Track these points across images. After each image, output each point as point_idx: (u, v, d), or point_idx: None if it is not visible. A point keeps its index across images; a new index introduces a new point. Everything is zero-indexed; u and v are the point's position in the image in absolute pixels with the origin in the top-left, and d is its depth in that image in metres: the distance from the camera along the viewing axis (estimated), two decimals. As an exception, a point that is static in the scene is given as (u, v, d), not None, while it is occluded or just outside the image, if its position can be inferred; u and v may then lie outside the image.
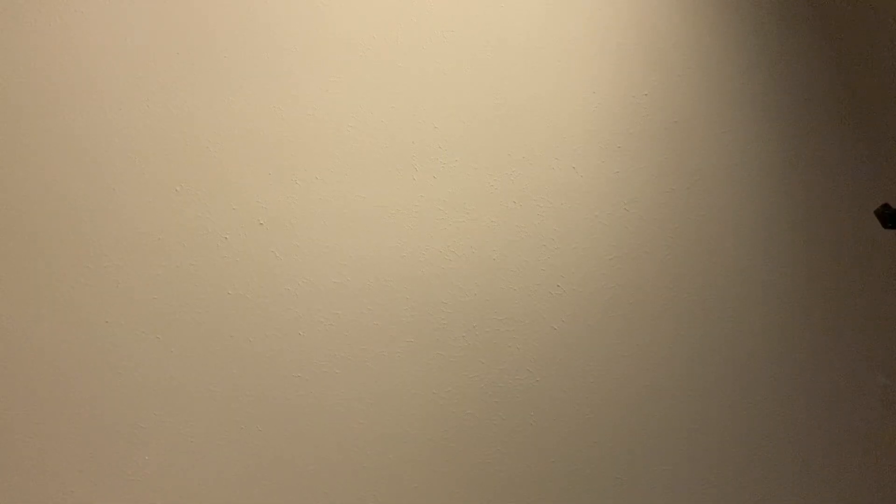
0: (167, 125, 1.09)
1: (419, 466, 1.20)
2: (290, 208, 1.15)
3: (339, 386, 1.17)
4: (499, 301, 1.25)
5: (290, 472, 1.14)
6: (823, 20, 1.46)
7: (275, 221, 1.14)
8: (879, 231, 1.40)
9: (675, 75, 1.36)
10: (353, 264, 1.18)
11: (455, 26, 1.23)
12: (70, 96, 1.06)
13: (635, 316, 1.33)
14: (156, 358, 1.09)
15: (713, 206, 1.37)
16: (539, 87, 1.27)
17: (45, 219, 1.05)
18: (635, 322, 1.32)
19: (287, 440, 1.14)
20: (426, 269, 1.21)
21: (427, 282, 1.21)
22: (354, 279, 1.17)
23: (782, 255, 1.41)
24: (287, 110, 1.15)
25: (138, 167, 1.08)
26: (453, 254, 1.23)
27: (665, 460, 1.34)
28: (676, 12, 1.36)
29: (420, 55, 1.21)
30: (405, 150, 1.21)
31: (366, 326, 1.18)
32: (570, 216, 1.29)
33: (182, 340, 1.10)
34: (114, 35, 1.07)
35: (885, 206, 1.24)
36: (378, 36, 1.19)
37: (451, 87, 1.23)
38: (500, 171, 1.25)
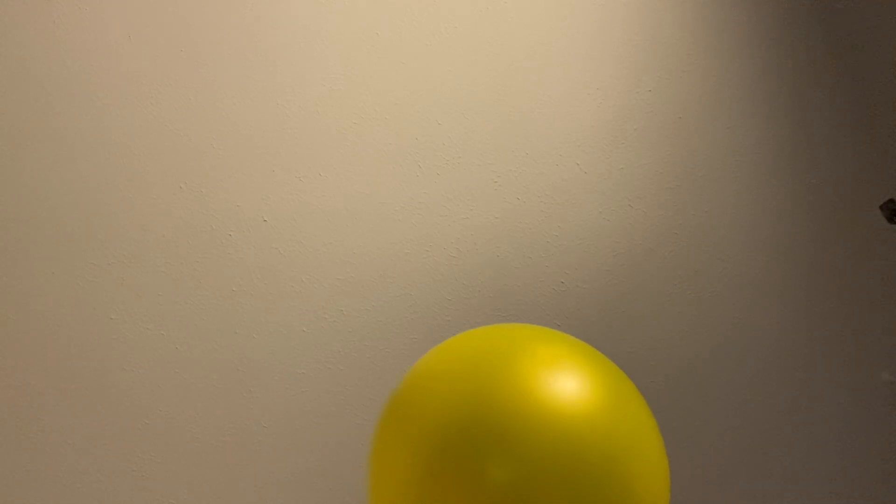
0: (171, 122, 1.10)
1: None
2: (293, 205, 1.15)
3: (342, 382, 1.17)
4: (502, 297, 1.25)
5: (293, 469, 1.14)
6: (827, 16, 1.45)
7: (278, 218, 1.14)
8: (884, 226, 1.39)
9: (679, 71, 1.35)
10: (356, 261, 1.18)
11: (459, 22, 1.23)
12: (73, 94, 1.06)
13: (639, 312, 1.32)
14: (160, 354, 1.09)
15: (717, 202, 1.37)
16: (543, 84, 1.27)
17: (49, 217, 1.05)
18: (639, 318, 1.32)
19: (290, 437, 1.14)
20: (430, 265, 1.21)
21: (430, 278, 1.21)
22: (358, 275, 1.17)
23: (786, 251, 1.40)
24: (290, 107, 1.15)
25: (142, 165, 1.09)
26: (457, 250, 1.23)
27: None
28: (680, 8, 1.35)
29: (423, 51, 1.21)
30: (408, 146, 1.21)
31: (369, 323, 1.18)
32: (573, 212, 1.29)
33: (186, 337, 1.10)
34: (116, 33, 1.08)
35: (891, 200, 1.24)
36: (381, 32, 1.19)
37: (455, 84, 1.23)
38: (504, 167, 1.25)
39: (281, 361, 1.14)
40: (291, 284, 1.14)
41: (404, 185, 1.20)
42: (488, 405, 0.61)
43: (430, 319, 1.21)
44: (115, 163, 1.07)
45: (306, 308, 1.15)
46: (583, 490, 0.57)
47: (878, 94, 1.47)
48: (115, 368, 1.07)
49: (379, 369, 1.18)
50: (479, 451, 0.58)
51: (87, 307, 1.06)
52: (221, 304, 1.11)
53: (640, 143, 1.32)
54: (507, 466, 0.57)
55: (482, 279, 1.24)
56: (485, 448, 0.58)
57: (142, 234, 1.08)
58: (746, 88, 1.39)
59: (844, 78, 1.45)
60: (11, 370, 1.03)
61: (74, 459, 1.05)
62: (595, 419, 0.60)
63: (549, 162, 1.27)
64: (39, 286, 1.04)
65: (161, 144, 1.09)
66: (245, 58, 1.13)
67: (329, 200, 1.16)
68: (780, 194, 1.40)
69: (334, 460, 1.16)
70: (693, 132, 1.36)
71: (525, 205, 1.26)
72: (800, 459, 1.40)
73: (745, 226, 1.38)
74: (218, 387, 1.11)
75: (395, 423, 0.68)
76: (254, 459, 1.13)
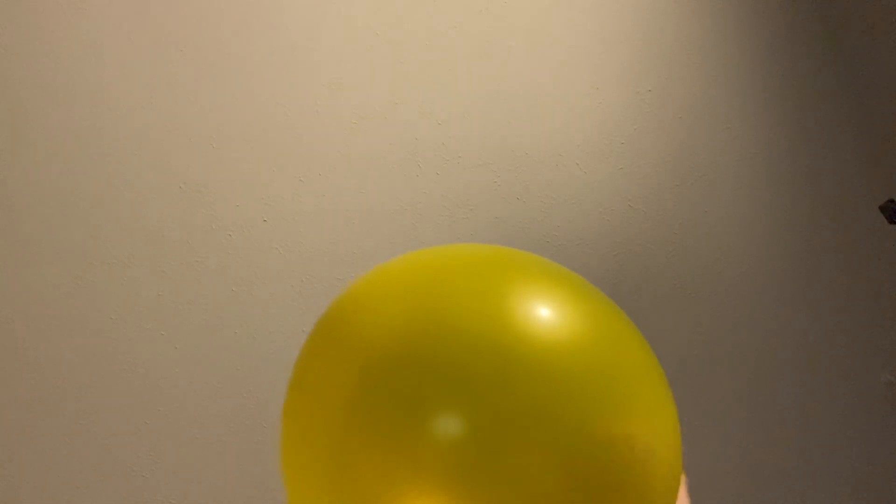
0: (171, 122, 1.10)
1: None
2: (293, 205, 1.15)
3: (342, 383, 1.17)
4: (502, 297, 1.25)
5: (294, 468, 1.14)
6: (827, 14, 1.45)
7: (278, 218, 1.14)
8: (885, 226, 1.39)
9: (678, 71, 1.35)
10: (356, 261, 1.17)
11: (459, 22, 1.23)
12: (72, 94, 1.06)
13: (639, 312, 1.32)
14: (160, 354, 1.09)
15: (717, 202, 1.37)
16: (543, 84, 1.27)
17: (49, 215, 1.05)
18: (639, 318, 1.32)
19: (291, 437, 1.14)
20: (430, 265, 1.21)
21: (431, 278, 1.21)
22: (357, 276, 1.17)
23: (787, 251, 1.40)
24: (290, 107, 1.15)
25: (142, 164, 1.08)
26: (457, 250, 1.22)
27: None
28: (680, 8, 1.35)
29: (423, 51, 1.21)
30: (408, 146, 1.21)
31: (369, 323, 1.18)
32: (573, 212, 1.29)
33: (186, 337, 1.10)
34: (118, 31, 1.08)
35: (891, 200, 1.24)
36: (381, 32, 1.19)
37: (455, 84, 1.23)
38: (504, 167, 1.25)
39: (281, 361, 1.14)
40: (291, 284, 1.14)
41: (404, 185, 1.20)
42: (437, 328, 0.43)
43: (430, 319, 1.21)
44: (115, 163, 1.07)
45: (306, 308, 1.15)
46: (565, 441, 0.40)
47: (878, 94, 1.47)
48: (115, 368, 1.07)
49: (379, 369, 1.18)
50: (421, 389, 0.41)
51: (86, 307, 1.06)
52: (221, 304, 1.11)
53: (640, 143, 1.32)
54: (459, 410, 0.40)
55: (482, 279, 1.24)
56: (429, 386, 0.41)
57: (142, 234, 1.08)
58: (746, 88, 1.39)
59: (844, 78, 1.45)
60: (10, 370, 1.03)
61: (74, 459, 1.05)
62: (583, 349, 0.44)
63: (548, 162, 1.27)
64: (39, 286, 1.04)
65: (161, 144, 1.09)
66: (245, 58, 1.13)
67: (329, 200, 1.16)
68: (779, 194, 1.40)
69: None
70: (693, 132, 1.36)
71: (525, 204, 1.26)
72: (799, 460, 1.40)
73: (744, 226, 1.38)
74: (218, 387, 1.11)
75: (315, 352, 0.49)
76: (254, 459, 1.12)
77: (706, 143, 1.36)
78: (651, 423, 0.45)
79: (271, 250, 1.14)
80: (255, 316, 1.13)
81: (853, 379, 1.43)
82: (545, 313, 0.45)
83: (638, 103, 1.32)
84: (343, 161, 1.17)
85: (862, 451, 1.43)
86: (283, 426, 0.50)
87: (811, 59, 1.43)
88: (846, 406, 1.43)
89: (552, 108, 1.28)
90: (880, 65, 1.48)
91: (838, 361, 1.43)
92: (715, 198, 1.36)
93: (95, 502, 1.05)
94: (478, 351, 0.42)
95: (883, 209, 1.25)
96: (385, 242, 1.19)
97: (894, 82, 1.48)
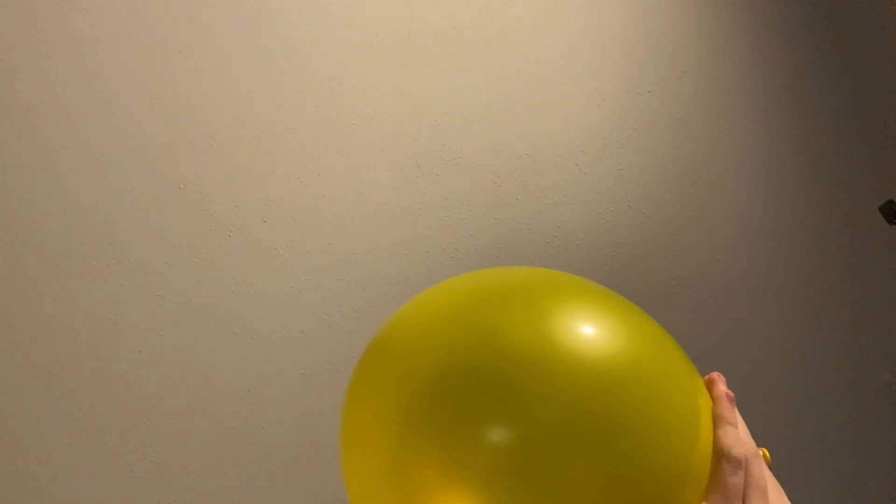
0: (170, 123, 1.10)
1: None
2: (293, 206, 1.15)
3: (342, 383, 1.17)
4: (502, 298, 1.25)
5: (292, 469, 1.14)
6: (827, 16, 1.46)
7: (278, 219, 1.14)
8: (884, 227, 1.39)
9: (678, 72, 1.35)
10: (355, 261, 1.18)
11: (458, 23, 1.23)
12: (72, 93, 1.06)
13: (639, 312, 1.32)
14: (159, 354, 1.09)
15: (716, 202, 1.37)
16: (542, 84, 1.27)
17: (49, 216, 1.05)
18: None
19: (290, 437, 1.14)
20: (429, 266, 1.21)
21: (430, 279, 1.21)
22: (357, 276, 1.17)
23: (786, 252, 1.40)
24: (290, 107, 1.15)
25: (142, 164, 1.08)
26: (456, 251, 1.23)
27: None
28: (679, 9, 1.35)
29: (423, 52, 1.21)
30: (408, 147, 1.21)
31: (369, 323, 1.18)
32: (573, 213, 1.29)
33: (186, 337, 1.10)
34: (117, 31, 1.07)
35: (890, 201, 1.24)
36: (381, 33, 1.19)
37: (454, 84, 1.23)
38: (503, 167, 1.25)
39: (280, 362, 1.14)
40: (291, 285, 1.14)
41: (404, 186, 1.20)
42: (490, 347, 0.47)
43: (430, 320, 1.21)
44: (115, 163, 1.07)
45: (306, 308, 1.15)
46: (607, 448, 0.43)
47: (877, 95, 1.47)
48: (114, 369, 1.07)
49: (379, 369, 1.18)
50: (473, 402, 0.44)
51: (86, 308, 1.06)
52: (221, 305, 1.11)
53: (640, 144, 1.32)
54: (512, 424, 0.43)
55: (482, 279, 1.24)
56: (481, 399, 0.44)
57: (142, 234, 1.08)
58: (746, 89, 1.39)
59: (844, 79, 1.46)
60: (10, 370, 1.03)
61: (73, 460, 1.05)
62: (627, 365, 0.46)
63: (548, 163, 1.27)
64: (39, 286, 1.04)
65: (160, 144, 1.09)
66: (245, 58, 1.13)
67: (329, 201, 1.16)
68: (779, 195, 1.40)
69: (335, 461, 1.16)
70: (692, 133, 1.36)
71: (525, 205, 1.26)
72: (799, 460, 1.40)
73: (744, 226, 1.38)
74: (217, 387, 1.11)
75: (371, 370, 0.53)
76: (254, 460, 1.12)
77: (705, 144, 1.36)
78: (692, 435, 0.47)
79: (271, 251, 1.14)
80: (254, 316, 1.13)
81: (853, 379, 1.44)
82: (588, 331, 0.48)
83: (638, 103, 1.32)
84: (343, 161, 1.17)
85: (862, 451, 1.43)
86: (342, 435, 0.54)
87: (811, 59, 1.43)
88: (846, 406, 1.43)
89: (552, 109, 1.28)
90: (880, 65, 1.48)
91: (838, 361, 1.43)
92: (714, 198, 1.36)
93: (95, 502, 1.05)
94: (524, 366, 0.45)
95: (882, 210, 1.25)
96: (385, 242, 1.19)
97: (894, 83, 1.48)
